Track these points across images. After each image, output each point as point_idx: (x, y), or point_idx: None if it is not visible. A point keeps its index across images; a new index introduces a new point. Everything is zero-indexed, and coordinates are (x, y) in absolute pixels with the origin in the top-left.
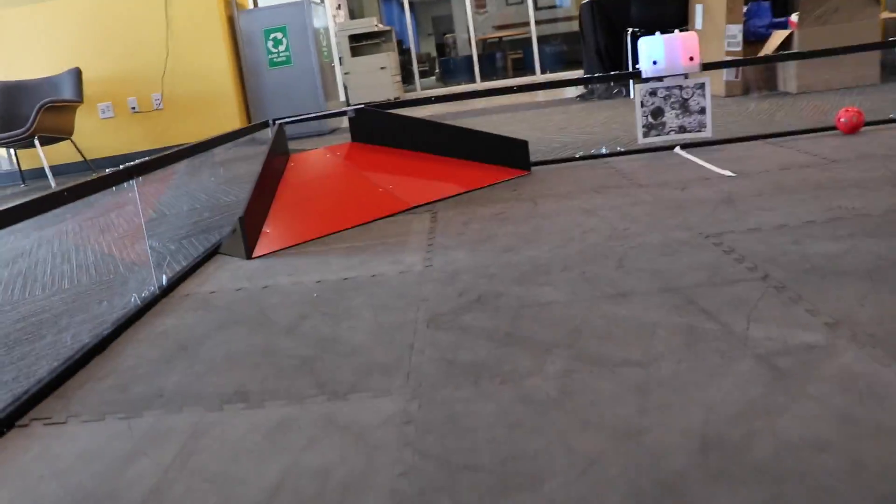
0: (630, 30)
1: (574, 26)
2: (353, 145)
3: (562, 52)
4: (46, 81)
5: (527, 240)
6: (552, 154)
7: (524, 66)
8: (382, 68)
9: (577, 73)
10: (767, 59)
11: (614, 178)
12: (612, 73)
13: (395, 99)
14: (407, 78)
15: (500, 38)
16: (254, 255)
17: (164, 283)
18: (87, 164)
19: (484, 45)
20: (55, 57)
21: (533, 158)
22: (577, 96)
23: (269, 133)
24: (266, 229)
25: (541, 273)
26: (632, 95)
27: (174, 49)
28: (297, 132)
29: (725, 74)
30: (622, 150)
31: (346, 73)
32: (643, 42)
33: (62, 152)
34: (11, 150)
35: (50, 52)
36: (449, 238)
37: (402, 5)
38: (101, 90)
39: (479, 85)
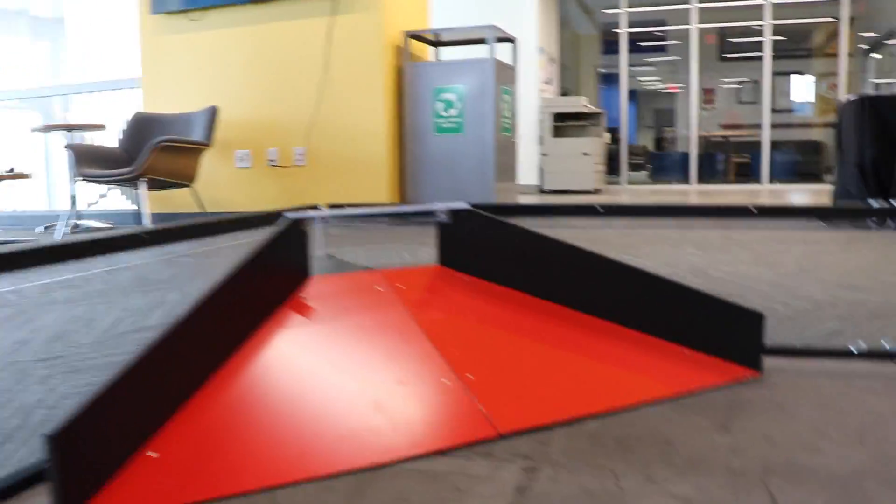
0: None
1: (811, 135)
2: (437, 272)
3: (795, 163)
4: (182, 118)
5: None
6: (798, 327)
7: (749, 173)
8: (585, 154)
9: (812, 187)
10: None
11: None
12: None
13: (594, 190)
14: (614, 169)
15: (726, 137)
16: None
17: None
18: (204, 216)
19: (706, 143)
20: (201, 92)
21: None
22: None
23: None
24: (151, 452)
25: None
26: None
27: (327, 98)
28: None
29: None
30: None
31: (543, 155)
32: None
33: (186, 199)
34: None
35: (197, 86)
36: None
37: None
38: (241, 136)
39: (693, 187)
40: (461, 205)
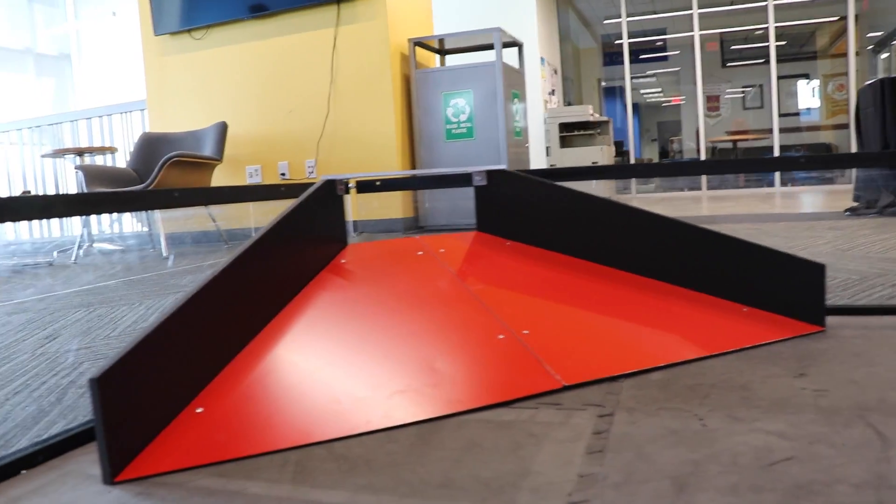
0: None
1: (820, 137)
2: (476, 237)
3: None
4: (191, 135)
5: None
6: (849, 294)
7: (760, 177)
8: (594, 163)
9: (826, 188)
10: None
11: None
12: None
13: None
14: (622, 182)
15: (734, 142)
16: (120, 478)
17: None
18: (219, 235)
19: (713, 150)
20: (207, 110)
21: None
22: (847, 210)
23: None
24: (198, 408)
25: None
26: None
27: (336, 109)
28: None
29: None
30: None
31: (551, 166)
32: None
33: (199, 219)
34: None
35: (205, 104)
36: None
37: (625, 106)
38: (252, 151)
39: (705, 193)
40: (497, 166)
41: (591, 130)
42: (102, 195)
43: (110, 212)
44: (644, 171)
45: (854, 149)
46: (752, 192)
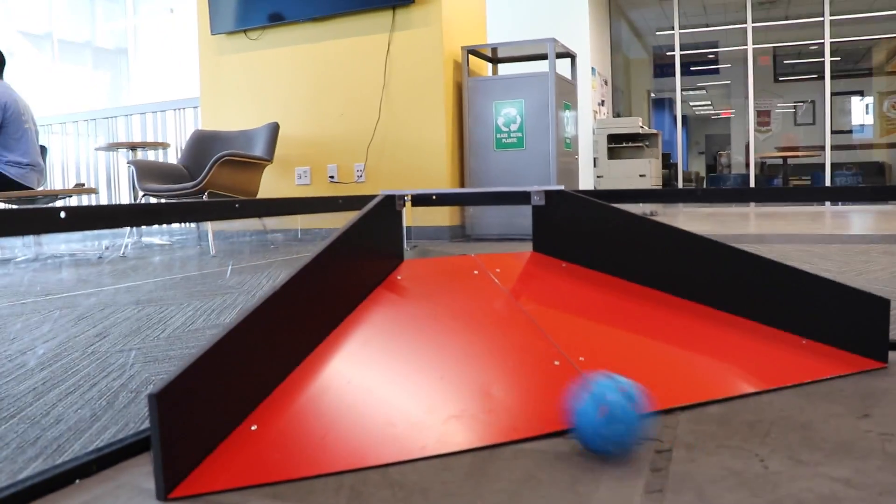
0: None
1: (873, 156)
2: (532, 257)
3: (858, 185)
4: (242, 134)
5: None
6: None
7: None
8: (642, 175)
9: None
10: None
11: None
12: None
13: (651, 213)
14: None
15: (784, 158)
16: (174, 495)
17: None
18: (266, 235)
19: (762, 166)
20: (260, 110)
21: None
22: None
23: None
24: (252, 425)
25: None
26: None
27: (387, 114)
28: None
29: None
30: None
31: (598, 177)
32: None
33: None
34: None
35: (258, 104)
36: None
37: (674, 118)
38: (301, 153)
39: (752, 209)
40: (556, 187)
41: (640, 143)
42: (163, 207)
43: (171, 222)
44: (704, 195)
45: None
46: (802, 209)
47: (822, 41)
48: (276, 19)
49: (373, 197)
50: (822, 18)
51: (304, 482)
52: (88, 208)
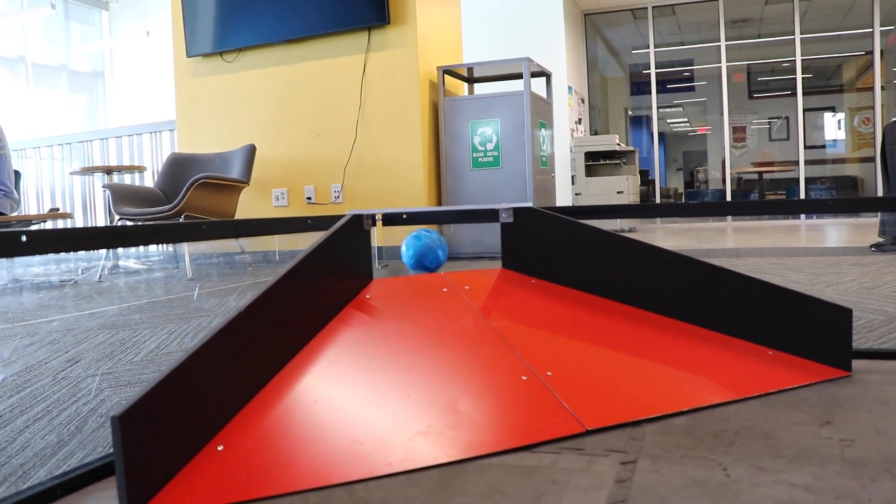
0: None
1: (846, 170)
2: (502, 274)
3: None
4: (219, 157)
5: None
6: (875, 337)
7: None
8: (619, 192)
9: (852, 221)
10: None
11: None
12: None
13: (630, 228)
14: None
15: (760, 173)
16: None
17: None
18: (243, 257)
19: (738, 181)
20: (236, 132)
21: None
22: (872, 246)
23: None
24: (219, 445)
25: None
26: None
27: (363, 134)
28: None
29: None
30: None
31: (576, 195)
32: None
33: (224, 241)
34: None
35: (234, 126)
36: None
37: (651, 135)
38: (279, 174)
39: (730, 224)
40: (524, 203)
41: (617, 160)
42: (127, 229)
43: (136, 245)
44: (670, 210)
45: (880, 184)
46: (777, 222)
47: (793, 58)
48: (252, 41)
49: (341, 217)
50: (793, 37)
51: (270, 500)
52: (50, 231)
